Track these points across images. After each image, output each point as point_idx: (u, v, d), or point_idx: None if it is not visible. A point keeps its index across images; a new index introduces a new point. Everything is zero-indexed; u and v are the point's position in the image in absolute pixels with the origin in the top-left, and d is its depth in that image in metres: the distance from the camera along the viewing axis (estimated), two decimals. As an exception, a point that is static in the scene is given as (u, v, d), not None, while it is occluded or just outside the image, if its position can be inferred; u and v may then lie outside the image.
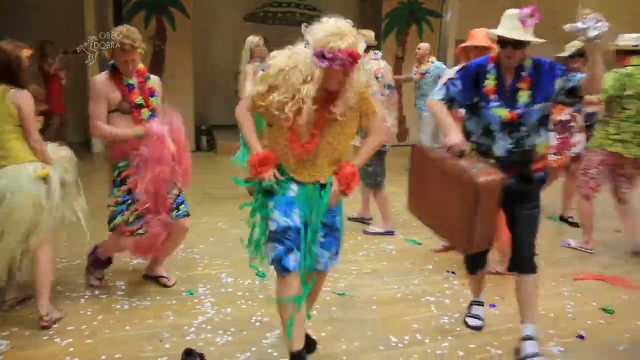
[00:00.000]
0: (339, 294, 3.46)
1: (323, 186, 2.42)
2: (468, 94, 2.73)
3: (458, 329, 3.06)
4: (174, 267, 3.76)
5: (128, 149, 3.14)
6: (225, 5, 9.71)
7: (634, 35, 4.21)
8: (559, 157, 4.88)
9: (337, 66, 2.17)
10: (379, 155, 4.38)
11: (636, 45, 4.14)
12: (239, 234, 4.43)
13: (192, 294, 3.38)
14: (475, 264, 3.02)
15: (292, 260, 2.33)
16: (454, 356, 2.77)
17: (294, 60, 2.30)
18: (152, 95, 3.28)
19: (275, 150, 2.43)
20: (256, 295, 3.38)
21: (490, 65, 2.69)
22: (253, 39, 5.68)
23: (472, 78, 2.73)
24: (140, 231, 3.16)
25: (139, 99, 3.20)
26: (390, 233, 4.69)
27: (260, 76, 2.43)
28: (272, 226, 2.38)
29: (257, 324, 3.04)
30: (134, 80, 3.23)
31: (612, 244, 4.67)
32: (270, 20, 8.69)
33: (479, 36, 3.87)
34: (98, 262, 3.45)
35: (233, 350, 2.76)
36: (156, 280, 3.55)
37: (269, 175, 2.37)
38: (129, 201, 3.12)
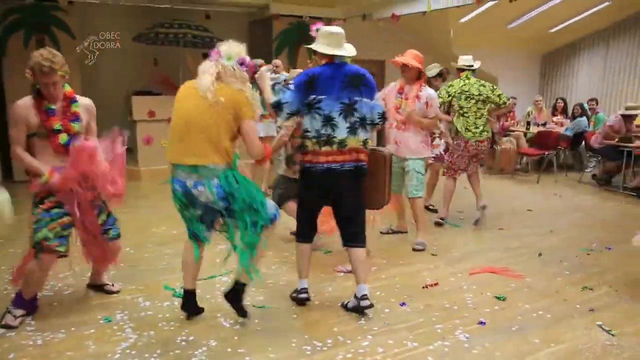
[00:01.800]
0: (259, 307, 3.54)
1: None
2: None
3: (375, 328, 3.27)
4: (84, 297, 3.63)
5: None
6: (113, 24, 9.39)
7: (468, 57, 5.75)
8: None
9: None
10: (290, 179, 4.52)
11: (470, 66, 5.66)
12: (150, 257, 4.48)
13: (110, 321, 3.28)
14: (311, 227, 3.52)
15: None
16: (375, 353, 2.97)
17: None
18: (74, 120, 3.21)
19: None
20: (177, 316, 3.36)
21: None
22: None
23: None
24: (61, 249, 3.11)
25: (57, 125, 3.12)
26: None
27: None
28: None
29: (183, 343, 3.03)
30: (57, 104, 3.15)
31: (498, 241, 5.21)
32: (160, 41, 8.56)
33: (410, 55, 4.70)
34: (22, 302, 3.25)
35: (162, 372, 2.74)
36: (99, 288, 3.73)
37: None
38: (48, 219, 3.08)
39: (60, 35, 7.79)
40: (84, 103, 3.35)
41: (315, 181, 3.33)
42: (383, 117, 3.36)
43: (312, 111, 3.21)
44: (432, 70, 6.14)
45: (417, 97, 4.70)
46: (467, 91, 5.52)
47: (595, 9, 10.65)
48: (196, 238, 3.17)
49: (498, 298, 3.76)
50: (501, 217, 6.16)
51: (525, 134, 9.34)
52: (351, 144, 3.26)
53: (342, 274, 4.19)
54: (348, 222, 3.44)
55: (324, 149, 3.24)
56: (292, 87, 3.28)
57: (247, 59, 3.02)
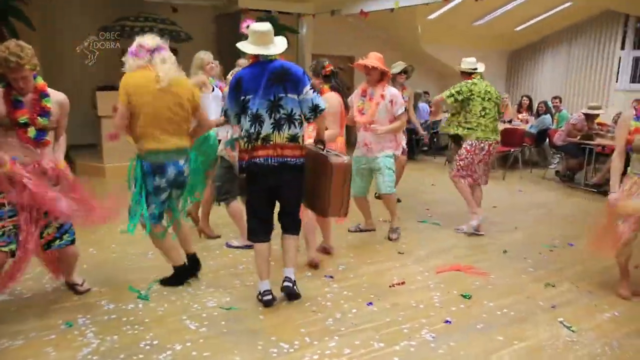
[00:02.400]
0: (226, 309, 3.50)
1: None
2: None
3: (342, 328, 3.27)
4: (45, 301, 3.52)
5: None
6: (76, 17, 9.15)
7: (471, 59, 5.48)
8: None
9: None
10: (228, 170, 4.51)
11: (475, 69, 5.40)
12: (114, 257, 4.38)
13: (71, 325, 3.18)
14: (262, 225, 3.54)
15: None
16: (342, 354, 2.97)
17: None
18: (42, 115, 3.11)
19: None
20: (142, 319, 3.30)
21: None
22: (204, 56, 4.77)
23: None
24: (5, 248, 3.02)
25: (23, 118, 3.02)
26: (249, 247, 4.48)
27: None
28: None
29: (147, 347, 2.97)
30: (27, 97, 3.05)
31: (464, 238, 5.28)
32: (127, 34, 8.37)
33: (372, 58, 4.75)
34: None
35: (125, 378, 2.68)
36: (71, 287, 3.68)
37: None
38: None
39: (19, 26, 7.52)
40: (57, 98, 3.25)
41: (252, 177, 3.42)
42: (315, 110, 3.36)
43: (245, 111, 3.33)
44: (397, 67, 6.21)
45: (382, 96, 4.76)
46: (489, 92, 5.33)
47: (558, 9, 10.89)
48: (158, 218, 3.63)
49: (464, 296, 3.81)
50: (467, 214, 6.23)
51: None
52: (275, 140, 3.32)
53: (309, 274, 4.18)
54: (283, 214, 3.61)
55: (256, 144, 3.34)
56: (228, 92, 3.44)
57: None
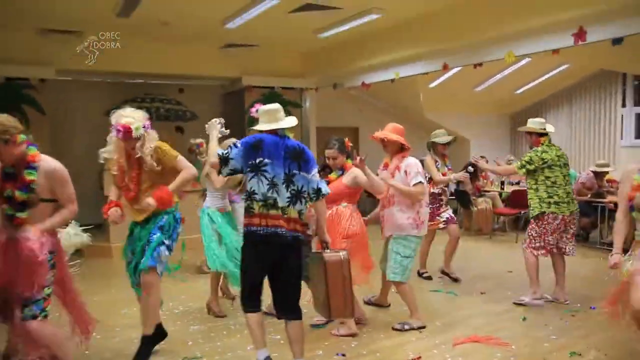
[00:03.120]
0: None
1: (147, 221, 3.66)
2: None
3: (357, 411, 3.06)
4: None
5: None
6: (84, 100, 9.43)
7: (540, 120, 5.27)
8: (431, 223, 5.60)
9: (118, 135, 3.48)
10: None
11: (543, 129, 5.11)
12: (118, 341, 4.22)
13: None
14: (255, 294, 3.37)
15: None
16: None
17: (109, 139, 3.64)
18: (20, 188, 3.00)
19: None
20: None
21: None
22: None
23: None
24: None
25: (7, 191, 3.00)
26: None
27: None
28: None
29: None
30: (18, 170, 3.03)
31: (480, 306, 5.07)
32: (133, 115, 8.58)
33: (389, 129, 4.58)
34: None
35: None
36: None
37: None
38: None
39: (29, 111, 7.72)
40: (45, 168, 3.09)
41: (260, 245, 3.25)
42: (318, 193, 3.37)
43: (259, 173, 3.22)
44: (442, 137, 5.94)
45: (397, 168, 4.45)
46: (562, 157, 5.04)
47: (556, 71, 11.09)
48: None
49: (484, 370, 3.59)
50: (482, 280, 6.06)
51: (500, 194, 9.41)
52: (290, 214, 3.26)
53: (320, 352, 3.98)
54: (285, 292, 3.37)
55: (271, 212, 3.22)
56: (239, 145, 3.27)
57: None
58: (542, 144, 5.06)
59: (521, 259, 6.81)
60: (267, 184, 3.21)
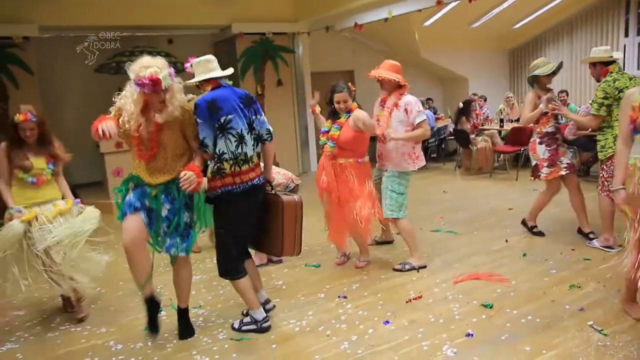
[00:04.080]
0: (237, 340, 3.36)
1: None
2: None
3: (359, 351, 3.10)
4: (50, 348, 3.40)
5: None
6: (72, 57, 9.18)
7: (605, 47, 4.66)
8: (552, 170, 4.93)
9: (145, 89, 2.89)
10: None
11: (610, 57, 4.55)
12: (122, 295, 4.26)
13: (76, 371, 3.07)
14: (244, 256, 3.48)
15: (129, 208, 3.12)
16: (360, 379, 2.81)
17: (126, 92, 3.08)
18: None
19: (133, 165, 3.20)
20: (151, 358, 3.16)
21: None
22: None
23: None
24: None
25: None
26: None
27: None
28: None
29: (155, 389, 2.84)
30: None
31: (480, 244, 5.09)
32: (123, 70, 8.36)
33: (384, 67, 4.46)
34: None
35: None
36: None
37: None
38: None
39: (16, 71, 7.54)
40: None
41: (241, 204, 3.25)
42: (269, 133, 3.41)
43: (225, 132, 3.14)
44: (544, 67, 4.95)
45: (396, 105, 4.37)
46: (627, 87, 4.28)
47: (554, 3, 10.73)
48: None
49: (485, 306, 3.62)
50: (482, 217, 6.06)
51: (499, 132, 9.31)
52: (255, 159, 3.32)
53: (322, 295, 4.02)
54: (263, 232, 3.50)
55: (243, 167, 3.22)
56: (198, 120, 3.12)
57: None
58: (611, 72, 4.50)
59: (521, 196, 6.83)
60: (235, 141, 3.17)
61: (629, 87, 4.23)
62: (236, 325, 3.49)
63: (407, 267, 4.44)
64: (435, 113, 11.03)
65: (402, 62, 4.55)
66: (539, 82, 4.99)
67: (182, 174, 2.99)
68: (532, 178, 5.19)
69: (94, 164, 8.46)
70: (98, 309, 4.05)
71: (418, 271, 4.41)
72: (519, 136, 8.63)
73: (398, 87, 4.43)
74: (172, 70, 3.00)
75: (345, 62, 11.08)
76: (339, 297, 3.96)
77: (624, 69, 10.80)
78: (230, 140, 3.15)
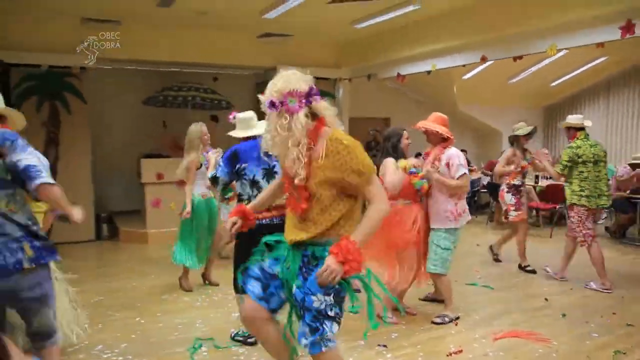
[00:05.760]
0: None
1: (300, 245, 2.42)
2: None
3: (402, 402, 3.10)
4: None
5: None
6: (123, 89, 9.59)
7: (578, 115, 5.69)
8: (519, 213, 6.15)
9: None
10: None
11: (581, 124, 5.47)
12: (162, 327, 4.33)
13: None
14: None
15: (249, 285, 2.57)
16: None
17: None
18: None
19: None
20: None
21: None
22: (200, 128, 5.25)
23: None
24: None
25: None
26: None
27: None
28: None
29: None
30: None
31: (519, 301, 5.05)
32: (169, 103, 8.71)
33: (432, 119, 4.57)
34: None
35: None
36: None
37: None
38: None
39: (70, 99, 7.89)
40: None
41: (252, 240, 2.81)
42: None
43: (241, 177, 3.72)
44: (522, 130, 6.14)
45: (438, 159, 4.41)
46: (597, 154, 5.36)
47: (593, 64, 10.85)
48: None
49: (527, 365, 3.60)
50: (520, 274, 6.03)
51: (535, 188, 9.30)
52: (277, 202, 3.31)
53: (362, 342, 4.02)
54: None
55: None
56: (221, 163, 3.81)
57: None
58: (578, 138, 5.41)
59: (555, 254, 6.76)
60: (249, 185, 3.70)
61: (587, 155, 5.31)
62: None
63: (446, 319, 4.43)
64: (468, 165, 11.06)
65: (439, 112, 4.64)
66: (518, 141, 6.16)
67: None
68: (505, 220, 6.44)
69: (135, 193, 8.67)
70: (139, 339, 4.11)
71: (456, 324, 4.40)
72: (554, 193, 8.61)
73: (442, 140, 4.48)
74: None
75: (383, 109, 11.30)
76: (378, 345, 3.96)
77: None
78: (244, 184, 3.72)
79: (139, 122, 9.54)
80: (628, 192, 7.75)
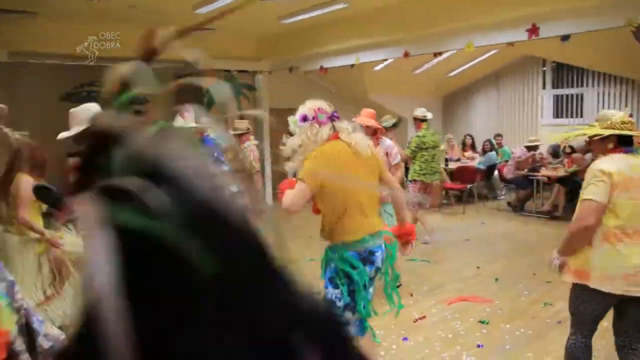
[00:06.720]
0: None
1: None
2: None
3: (391, 363, 3.56)
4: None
5: None
6: (36, 84, 9.04)
7: (422, 109, 6.97)
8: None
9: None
10: None
11: (424, 116, 6.82)
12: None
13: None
14: None
15: None
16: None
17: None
18: None
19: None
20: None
21: None
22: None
23: None
24: None
25: None
26: None
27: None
28: None
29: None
30: None
31: (454, 272, 5.75)
32: (94, 99, 8.39)
33: (364, 115, 4.97)
34: None
35: None
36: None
37: None
38: None
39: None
40: None
41: None
42: None
43: None
44: (388, 121, 6.57)
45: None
46: (435, 141, 6.82)
47: (485, 56, 12.07)
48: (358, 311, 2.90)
49: (482, 322, 4.23)
50: (447, 249, 6.77)
51: (446, 170, 10.23)
52: None
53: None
54: None
55: None
56: None
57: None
58: (422, 129, 6.77)
59: (473, 228, 7.64)
60: None
61: (430, 141, 6.74)
62: None
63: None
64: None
65: (351, 103, 5.19)
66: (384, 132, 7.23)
67: None
68: None
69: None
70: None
71: (411, 295, 4.96)
72: (464, 174, 9.58)
73: (374, 133, 5.04)
74: None
75: (302, 101, 11.65)
76: (352, 318, 4.40)
77: (542, 117, 12.31)
78: None
79: (56, 119, 9.04)
80: (526, 170, 8.87)
